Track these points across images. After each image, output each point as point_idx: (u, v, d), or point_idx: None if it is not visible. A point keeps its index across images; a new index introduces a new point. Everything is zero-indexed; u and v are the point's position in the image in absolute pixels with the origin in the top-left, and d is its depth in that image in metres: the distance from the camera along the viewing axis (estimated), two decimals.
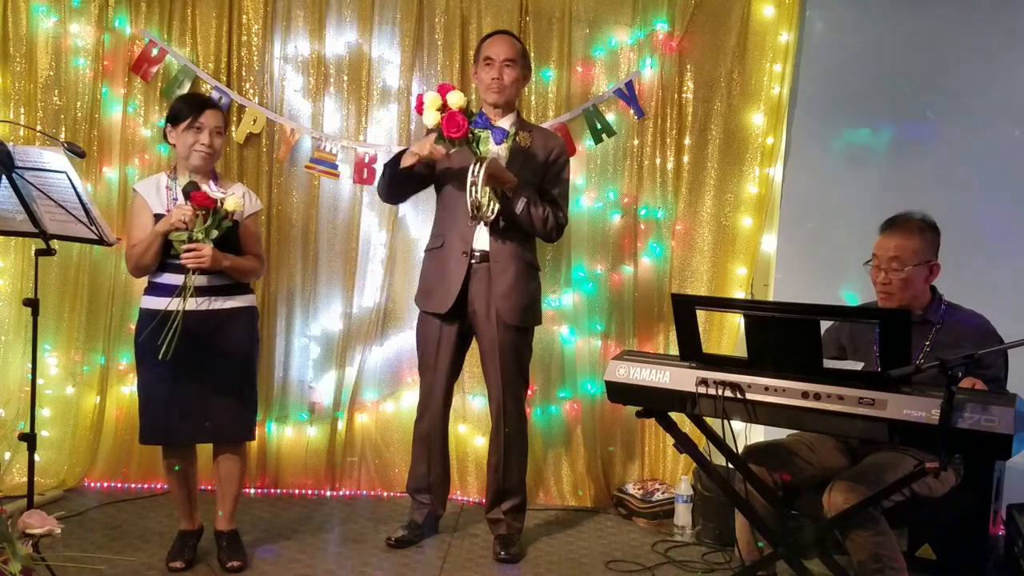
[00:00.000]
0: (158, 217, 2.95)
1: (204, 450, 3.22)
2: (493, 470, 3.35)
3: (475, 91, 3.48)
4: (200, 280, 2.93)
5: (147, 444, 3.10)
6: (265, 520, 3.59)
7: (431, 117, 2.95)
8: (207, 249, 2.85)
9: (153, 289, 2.99)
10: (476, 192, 3.01)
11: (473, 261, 3.22)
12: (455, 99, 2.93)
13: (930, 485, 2.60)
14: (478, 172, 2.99)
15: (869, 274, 2.86)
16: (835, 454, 2.82)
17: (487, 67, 3.25)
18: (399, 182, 3.25)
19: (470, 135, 2.96)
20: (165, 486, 3.79)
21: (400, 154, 3.21)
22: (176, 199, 2.97)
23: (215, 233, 2.86)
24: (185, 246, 2.85)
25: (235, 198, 2.91)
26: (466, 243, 3.22)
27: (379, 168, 3.88)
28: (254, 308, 3.13)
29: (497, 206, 3.10)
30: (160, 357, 2.82)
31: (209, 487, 3.34)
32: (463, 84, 3.86)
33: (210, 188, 2.94)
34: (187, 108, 3.00)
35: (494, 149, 3.07)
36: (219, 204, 2.85)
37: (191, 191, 2.86)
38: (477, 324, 3.28)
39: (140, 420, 3.05)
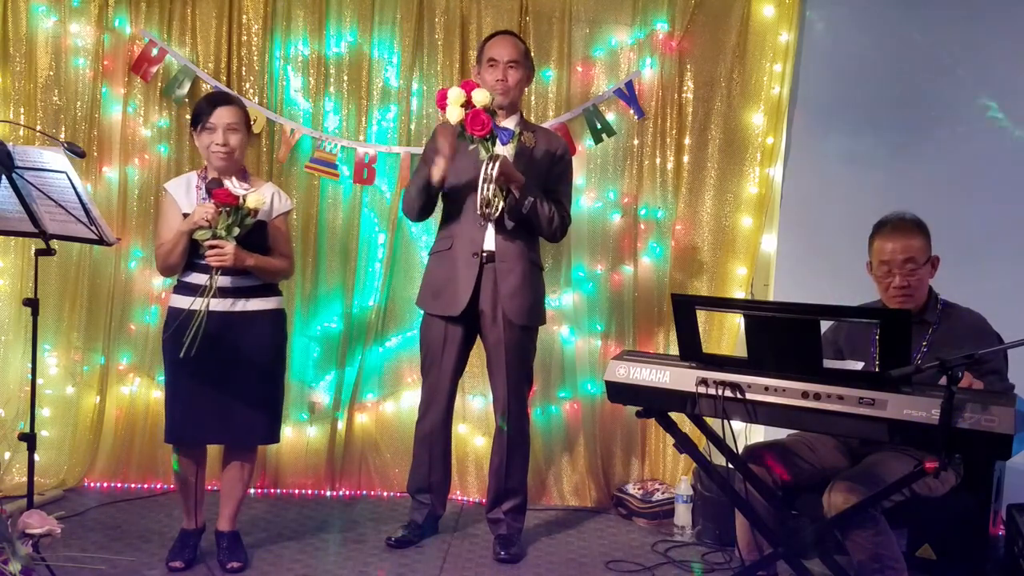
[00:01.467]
0: (187, 217, 2.94)
1: (214, 449, 3.22)
2: (495, 470, 3.35)
3: None
4: (226, 281, 2.92)
5: (170, 443, 3.08)
6: (265, 520, 3.59)
7: (455, 113, 2.93)
8: (230, 247, 2.82)
9: (181, 288, 2.99)
10: (488, 189, 3.01)
11: (482, 262, 3.22)
12: (480, 97, 2.92)
13: (930, 485, 2.60)
14: (491, 169, 2.99)
15: (875, 278, 2.85)
16: (835, 454, 2.83)
17: (491, 68, 3.24)
18: (431, 197, 3.23)
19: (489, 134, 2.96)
20: (167, 486, 3.82)
21: (417, 176, 3.21)
22: (205, 199, 2.96)
23: (237, 231, 2.82)
24: (208, 243, 2.82)
25: (257, 195, 2.86)
26: (476, 244, 3.21)
27: (379, 168, 3.91)
28: (281, 310, 3.10)
29: (503, 204, 3.10)
30: (182, 355, 2.82)
31: (212, 487, 3.33)
32: None
33: (233, 185, 2.89)
34: (201, 109, 2.97)
35: (500, 149, 3.07)
36: (241, 201, 2.81)
37: (213, 188, 2.83)
38: (483, 324, 3.28)
39: (165, 418, 3.05)
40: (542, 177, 3.26)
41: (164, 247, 2.95)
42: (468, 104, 2.93)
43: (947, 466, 2.13)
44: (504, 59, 3.23)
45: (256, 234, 2.94)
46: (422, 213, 3.33)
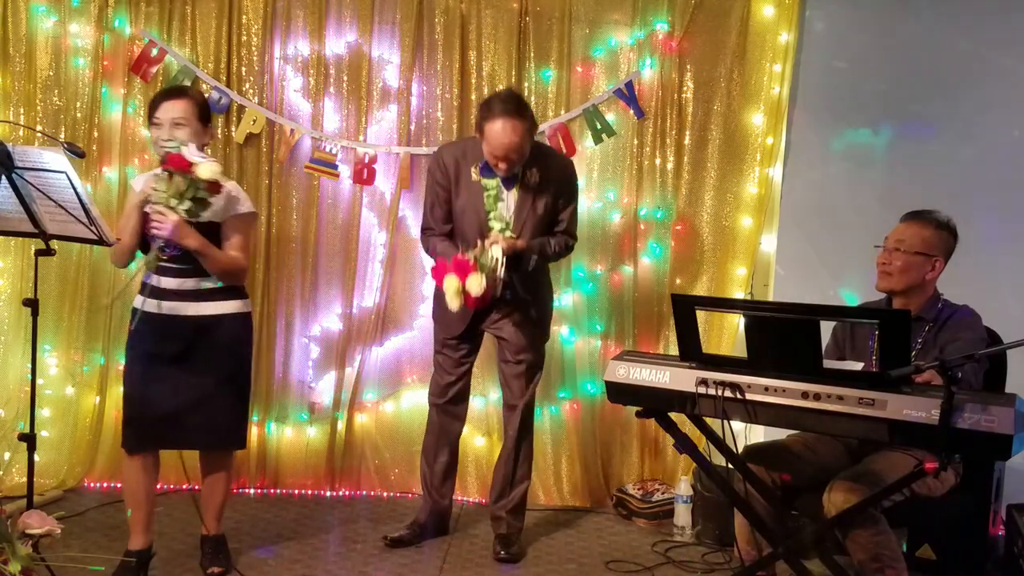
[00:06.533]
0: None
1: (191, 454, 3.14)
2: (505, 456, 3.35)
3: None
4: (190, 284, 2.89)
5: (126, 448, 2.94)
6: (265, 520, 3.59)
7: (455, 302, 2.95)
8: (174, 216, 2.70)
9: (143, 289, 2.94)
10: (500, 284, 3.05)
11: None
12: (474, 285, 2.92)
13: (930, 485, 2.60)
14: (500, 271, 3.00)
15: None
16: (835, 454, 2.82)
17: (495, 158, 3.10)
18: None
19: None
20: (166, 486, 3.78)
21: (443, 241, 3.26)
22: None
23: (188, 204, 2.70)
24: (155, 208, 2.72)
25: (210, 166, 2.70)
26: None
27: (379, 168, 3.90)
28: (243, 313, 3.00)
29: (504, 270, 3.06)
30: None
31: (196, 487, 3.21)
32: (462, 83, 3.86)
33: (190, 150, 2.73)
34: (151, 105, 2.91)
35: (504, 193, 3.15)
36: (193, 168, 2.67)
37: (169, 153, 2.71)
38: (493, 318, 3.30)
39: (122, 424, 2.94)
40: (549, 209, 3.24)
41: (118, 225, 2.90)
42: (463, 291, 2.93)
43: (947, 466, 2.14)
44: (511, 155, 3.08)
45: (208, 234, 2.85)
46: None
